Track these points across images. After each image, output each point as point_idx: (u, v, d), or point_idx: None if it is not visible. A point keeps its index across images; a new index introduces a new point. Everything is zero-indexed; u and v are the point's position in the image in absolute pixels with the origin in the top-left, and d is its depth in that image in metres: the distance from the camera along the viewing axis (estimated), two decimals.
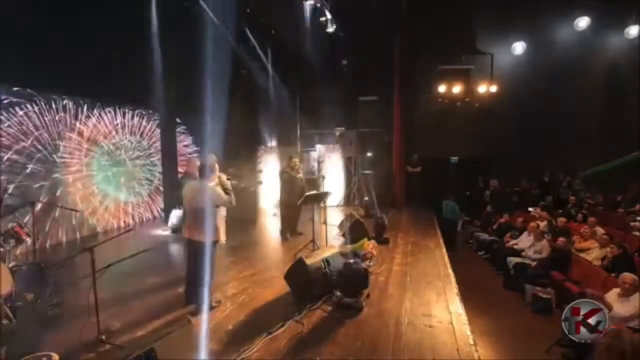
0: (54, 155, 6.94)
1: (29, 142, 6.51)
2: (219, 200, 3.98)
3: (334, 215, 8.76)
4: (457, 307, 4.12)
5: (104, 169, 8.04)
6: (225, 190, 4.11)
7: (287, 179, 7.15)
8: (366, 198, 9.70)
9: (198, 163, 4.66)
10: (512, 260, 6.95)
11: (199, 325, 3.52)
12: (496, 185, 11.16)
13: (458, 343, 3.37)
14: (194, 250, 4.09)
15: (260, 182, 10.64)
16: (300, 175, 7.30)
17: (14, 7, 5.54)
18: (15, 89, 6.32)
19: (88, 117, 7.67)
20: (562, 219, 7.79)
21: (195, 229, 3.99)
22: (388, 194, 10.66)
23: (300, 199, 6.67)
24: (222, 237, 4.21)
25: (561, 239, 6.40)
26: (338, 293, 4.22)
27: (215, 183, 4.18)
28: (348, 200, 10.87)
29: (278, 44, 10.78)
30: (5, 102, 6.18)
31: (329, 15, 9.72)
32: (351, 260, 4.49)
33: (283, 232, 7.23)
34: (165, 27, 8.02)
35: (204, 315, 3.84)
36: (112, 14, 6.70)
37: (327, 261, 4.46)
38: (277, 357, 3.16)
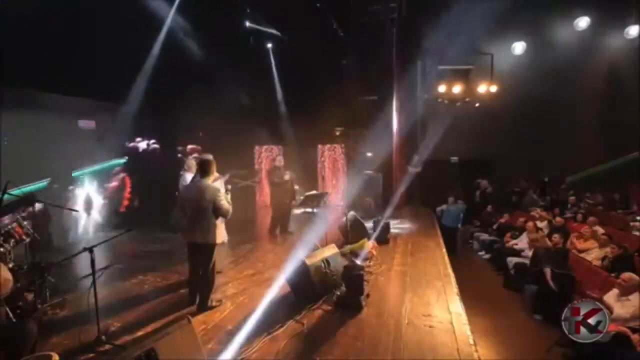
0: None
1: None
2: (220, 208, 3.87)
3: (334, 216, 8.75)
4: (457, 307, 4.11)
5: None
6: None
7: (275, 179, 7.25)
8: (367, 198, 9.69)
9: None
10: (512, 260, 6.95)
11: (199, 325, 3.52)
12: (486, 185, 11.12)
13: (458, 343, 3.36)
14: (195, 252, 4.03)
15: (259, 182, 10.64)
16: (288, 177, 7.38)
17: None
18: None
19: None
20: (559, 219, 7.80)
21: (196, 231, 3.91)
22: (388, 194, 10.63)
23: (288, 198, 6.93)
24: (222, 239, 4.19)
25: (555, 236, 6.41)
26: (338, 293, 4.23)
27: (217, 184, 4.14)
28: (348, 200, 10.86)
29: (277, 43, 10.80)
30: None
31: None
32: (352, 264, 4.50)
33: (272, 230, 7.40)
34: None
35: (205, 316, 3.85)
36: None
37: (327, 261, 4.46)
38: (277, 357, 3.16)
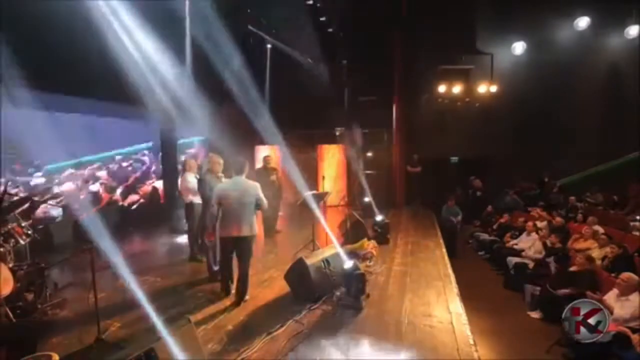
0: None
1: None
2: (262, 200, 4.22)
3: (334, 215, 8.76)
4: (457, 307, 4.12)
5: None
6: None
7: (262, 178, 7.27)
8: (367, 198, 9.68)
9: (220, 161, 4.88)
10: (512, 260, 6.95)
11: (199, 325, 3.52)
12: (479, 185, 11.08)
13: (458, 343, 3.37)
14: (235, 246, 4.22)
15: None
16: (274, 177, 7.38)
17: None
18: None
19: None
20: (558, 219, 7.80)
21: (242, 225, 4.11)
22: (388, 194, 10.64)
23: (274, 198, 6.94)
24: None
25: (553, 236, 6.40)
26: (338, 293, 4.23)
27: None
28: (348, 200, 10.86)
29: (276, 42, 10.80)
30: None
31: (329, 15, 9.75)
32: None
33: (269, 231, 7.41)
34: None
35: (205, 316, 3.85)
36: None
37: (327, 261, 4.47)
38: (277, 357, 3.17)
